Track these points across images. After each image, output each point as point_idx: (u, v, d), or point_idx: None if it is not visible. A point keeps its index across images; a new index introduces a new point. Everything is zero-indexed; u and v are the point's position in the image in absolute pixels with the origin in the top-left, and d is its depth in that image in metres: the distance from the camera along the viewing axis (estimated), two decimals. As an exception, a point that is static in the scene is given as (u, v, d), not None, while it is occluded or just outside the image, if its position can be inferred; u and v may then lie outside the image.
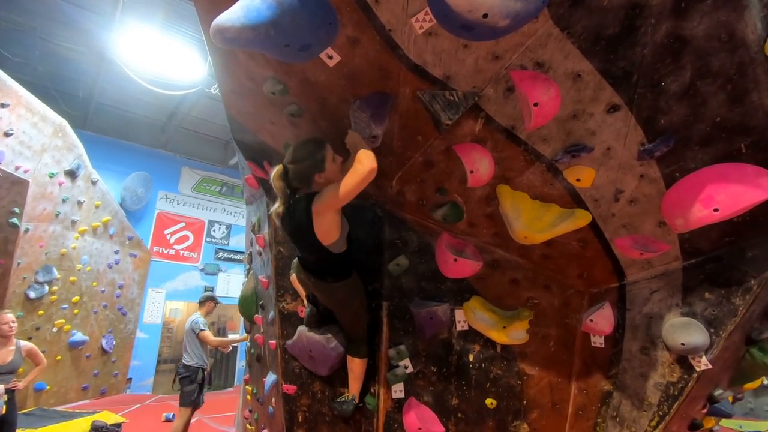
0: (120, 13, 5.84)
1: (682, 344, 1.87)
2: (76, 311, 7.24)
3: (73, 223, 7.04)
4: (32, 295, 6.25)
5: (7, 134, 5.40)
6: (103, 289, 7.84)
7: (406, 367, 2.34)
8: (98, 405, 6.92)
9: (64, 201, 6.75)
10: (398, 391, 2.34)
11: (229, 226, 10.87)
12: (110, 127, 9.22)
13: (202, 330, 4.78)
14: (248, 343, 4.16)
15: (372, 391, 2.40)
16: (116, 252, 8.15)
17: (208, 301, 5.09)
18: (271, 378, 2.82)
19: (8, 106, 5.29)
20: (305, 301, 2.46)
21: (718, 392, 2.24)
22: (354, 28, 1.55)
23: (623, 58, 1.47)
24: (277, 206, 1.97)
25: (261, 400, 3.39)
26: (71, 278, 7.07)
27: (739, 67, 1.39)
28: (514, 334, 2.28)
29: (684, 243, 1.89)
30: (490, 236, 2.27)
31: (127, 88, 8.15)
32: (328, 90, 1.82)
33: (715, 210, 1.62)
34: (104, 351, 7.94)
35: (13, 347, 3.85)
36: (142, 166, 9.47)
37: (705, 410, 2.30)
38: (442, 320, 2.34)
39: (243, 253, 11.03)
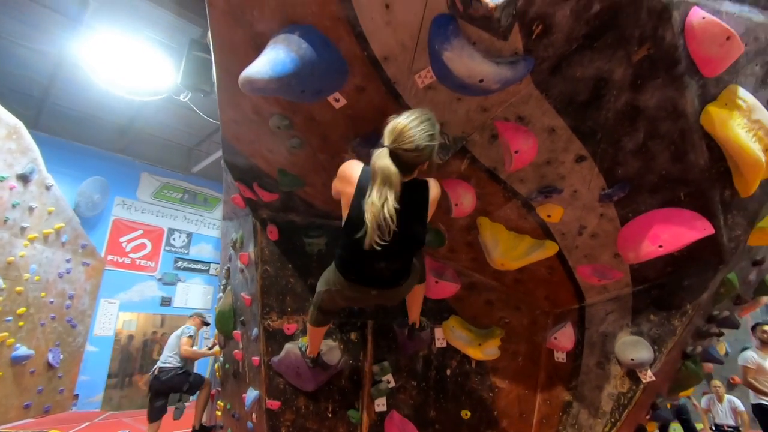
0: (89, 16, 5.67)
1: (632, 359, 2.17)
2: (21, 323, 6.78)
3: (23, 229, 6.64)
4: (-27, 306, 5.82)
5: (-44, 135, 5.07)
6: (51, 300, 7.39)
7: (388, 382, 2.50)
8: (42, 424, 6.49)
9: (13, 206, 6.36)
10: (381, 404, 2.50)
11: (189, 235, 10.55)
12: (64, 128, 8.76)
13: (190, 336, 4.85)
14: (221, 358, 4.15)
15: (356, 405, 2.54)
16: (68, 261, 7.72)
17: (195, 316, 5.42)
18: (252, 394, 2.88)
19: (-40, 106, 4.98)
20: (315, 354, 2.43)
21: (659, 400, 2.57)
22: (362, 78, 1.73)
23: (590, 119, 1.75)
24: (391, 200, 1.51)
25: (237, 416, 3.42)
26: (17, 288, 6.63)
27: (680, 133, 1.70)
28: (487, 350, 2.50)
29: (634, 272, 2.20)
30: (468, 261, 2.50)
31: (85, 89, 7.81)
32: (332, 128, 1.98)
33: (660, 246, 1.93)
34: (50, 366, 7.46)
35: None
36: (98, 170, 9.04)
37: (648, 416, 2.62)
38: (423, 338, 2.52)
39: (204, 262, 10.75)
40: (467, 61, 1.48)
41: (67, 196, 7.92)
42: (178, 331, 5.02)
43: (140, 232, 9.72)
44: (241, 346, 3.26)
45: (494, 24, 1.36)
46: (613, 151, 1.82)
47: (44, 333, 7.27)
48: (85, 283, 8.29)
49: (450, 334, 2.53)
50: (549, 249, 2.21)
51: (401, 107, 1.83)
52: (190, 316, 5.40)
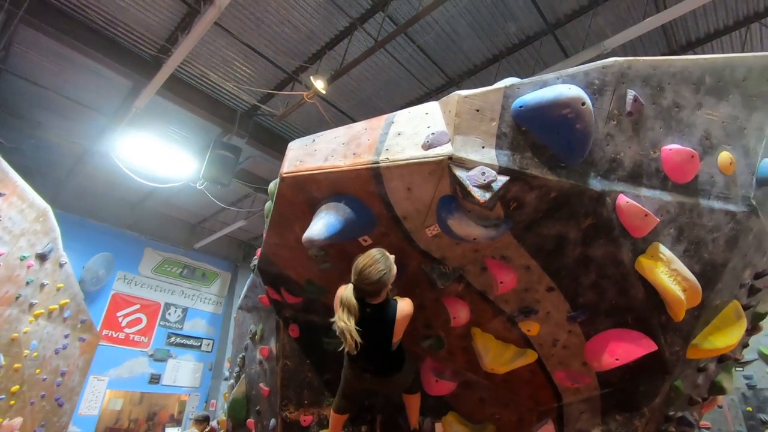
0: (128, 119, 6.46)
1: (603, 456, 2.56)
2: (12, 402, 6.74)
3: (31, 306, 6.86)
4: (-28, 384, 5.88)
5: (-6, 221, 5.55)
6: (45, 377, 7.38)
7: (394, 473, 2.81)
8: None
9: (27, 284, 6.65)
10: (387, 495, 2.78)
11: (185, 310, 10.69)
12: (80, 206, 9.30)
13: None
14: (227, 446, 4.31)
15: (365, 495, 2.81)
16: (66, 336, 7.82)
17: (205, 422, 5.91)
18: (265, 483, 3.12)
19: (4, 195, 5.52)
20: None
21: (632, 494, 2.89)
22: (386, 228, 2.32)
23: (555, 262, 2.33)
24: (352, 323, 2.08)
25: (244, 506, 3.57)
26: (15, 365, 6.70)
27: (622, 275, 2.28)
28: (481, 444, 2.86)
29: (600, 377, 2.67)
30: (464, 363, 2.95)
31: (108, 174, 8.48)
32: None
33: (617, 359, 2.43)
34: (32, 449, 7.24)
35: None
36: (105, 245, 9.42)
37: None
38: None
39: (196, 338, 10.78)
40: (465, 227, 2.08)
41: (74, 270, 8.21)
42: None
43: (137, 306, 9.88)
44: (253, 434, 3.52)
45: (484, 207, 1.98)
46: (574, 285, 2.38)
47: (32, 412, 7.16)
48: (78, 359, 8.27)
49: (449, 429, 2.89)
50: (530, 357, 2.69)
51: (413, 246, 2.41)
52: (196, 421, 5.67)
